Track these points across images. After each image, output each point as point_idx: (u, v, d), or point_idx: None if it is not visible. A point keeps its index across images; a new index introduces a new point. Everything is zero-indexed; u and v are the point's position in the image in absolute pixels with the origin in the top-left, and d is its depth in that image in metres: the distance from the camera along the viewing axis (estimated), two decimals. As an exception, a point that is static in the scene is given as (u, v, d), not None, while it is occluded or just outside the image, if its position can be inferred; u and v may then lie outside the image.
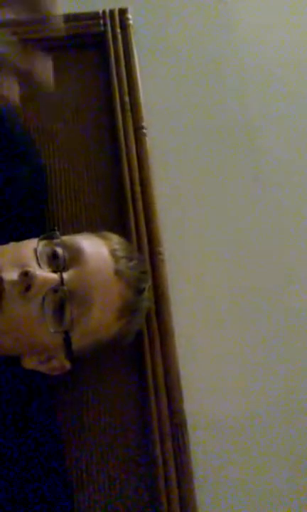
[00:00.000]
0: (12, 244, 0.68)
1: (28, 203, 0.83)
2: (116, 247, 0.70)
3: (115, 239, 0.72)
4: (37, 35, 0.97)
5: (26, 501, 0.69)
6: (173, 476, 0.76)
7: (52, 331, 0.63)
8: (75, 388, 0.81)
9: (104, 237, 0.71)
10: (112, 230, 0.77)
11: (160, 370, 0.80)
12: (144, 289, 0.72)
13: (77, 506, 0.75)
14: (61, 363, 0.71)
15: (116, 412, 0.81)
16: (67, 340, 0.65)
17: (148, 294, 0.74)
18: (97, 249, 0.68)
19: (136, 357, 0.83)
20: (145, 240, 0.88)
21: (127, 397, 0.82)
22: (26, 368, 0.70)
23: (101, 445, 0.79)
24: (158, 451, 0.77)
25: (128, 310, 0.69)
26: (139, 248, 0.86)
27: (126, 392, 0.82)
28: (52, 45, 0.99)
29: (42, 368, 0.71)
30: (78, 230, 0.73)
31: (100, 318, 0.66)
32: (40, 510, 0.69)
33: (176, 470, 0.76)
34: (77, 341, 0.66)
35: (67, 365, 0.71)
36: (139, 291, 0.70)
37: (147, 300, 0.75)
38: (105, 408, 0.81)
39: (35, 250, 0.65)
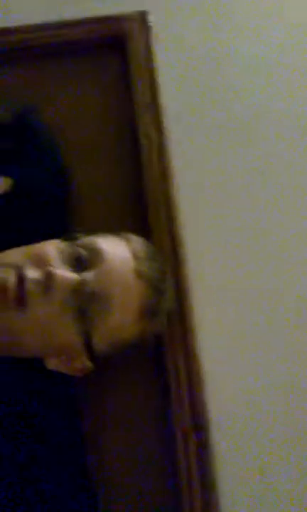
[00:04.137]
0: (34, 245, 0.71)
1: (50, 204, 0.87)
2: (137, 247, 0.73)
3: (136, 240, 0.75)
4: (57, 39, 1.04)
5: (48, 502, 0.71)
6: (195, 476, 0.78)
7: (73, 331, 0.66)
8: (97, 391, 0.84)
9: (125, 238, 0.74)
10: (134, 230, 0.79)
11: (183, 372, 0.83)
12: (165, 289, 0.74)
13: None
14: (83, 363, 0.73)
15: (138, 415, 0.84)
16: (87, 341, 0.68)
17: (169, 295, 0.77)
18: (117, 249, 0.71)
19: (158, 358, 0.85)
20: (167, 240, 0.90)
21: (149, 399, 0.85)
22: (49, 369, 0.73)
23: (123, 447, 0.82)
24: (180, 453, 0.80)
25: (149, 311, 0.71)
26: (161, 249, 0.88)
27: (148, 394, 0.85)
28: (73, 49, 1.05)
29: (65, 369, 0.74)
30: (99, 232, 0.75)
31: (120, 319, 0.68)
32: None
33: (199, 472, 0.79)
34: (98, 341, 0.69)
35: (90, 365, 0.74)
36: (160, 292, 0.73)
37: (168, 301, 0.77)
38: (127, 412, 0.84)
39: (57, 250, 0.69)
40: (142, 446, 0.83)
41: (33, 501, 0.70)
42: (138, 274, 0.70)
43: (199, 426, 0.81)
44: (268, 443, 0.83)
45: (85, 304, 0.67)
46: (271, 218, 0.97)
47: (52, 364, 0.73)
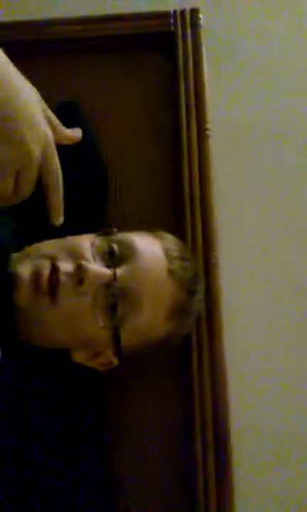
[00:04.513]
0: (70, 238, 0.72)
1: (88, 199, 0.88)
2: (171, 246, 0.73)
3: (170, 239, 0.75)
4: (106, 33, 1.05)
5: (67, 504, 0.71)
6: (212, 486, 0.78)
7: (102, 325, 0.67)
8: (119, 392, 0.85)
9: (159, 237, 0.74)
10: (168, 231, 0.79)
11: (207, 376, 0.83)
12: (196, 291, 0.74)
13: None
14: (109, 358, 0.74)
15: (159, 418, 0.84)
16: (116, 336, 0.68)
17: (199, 297, 0.77)
18: (151, 247, 0.71)
19: (183, 362, 0.85)
20: (200, 243, 0.90)
21: (171, 402, 0.85)
22: (75, 362, 0.74)
23: (143, 452, 0.82)
24: (199, 459, 0.79)
25: (179, 311, 0.71)
26: (193, 251, 0.89)
27: (171, 397, 0.85)
28: (121, 43, 1.06)
29: (91, 363, 0.74)
30: (134, 229, 0.76)
31: (150, 316, 0.69)
32: None
33: (217, 480, 0.78)
34: (126, 338, 0.69)
35: (115, 361, 0.74)
36: (191, 293, 0.73)
37: (198, 303, 0.77)
38: (149, 415, 0.84)
39: (92, 245, 0.70)
40: (160, 452, 0.83)
41: (50, 501, 0.70)
42: (170, 273, 0.70)
43: (220, 432, 0.80)
44: (289, 455, 0.82)
45: (115, 299, 0.67)
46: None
47: (78, 357, 0.74)
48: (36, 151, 0.53)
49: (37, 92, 0.57)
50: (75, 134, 0.61)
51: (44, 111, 0.56)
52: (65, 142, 0.60)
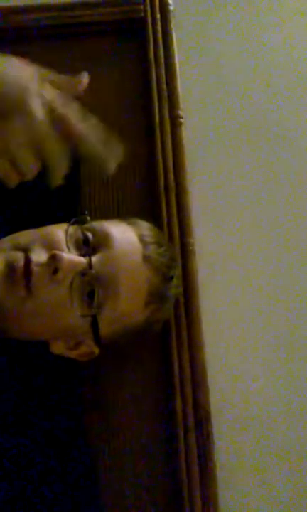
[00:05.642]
0: (43, 228, 0.72)
1: (60, 188, 0.88)
2: (145, 233, 0.73)
3: (144, 225, 0.76)
4: (75, 20, 1.03)
5: (51, 493, 0.70)
6: (195, 470, 0.79)
7: (79, 314, 0.67)
8: (99, 379, 0.85)
9: (133, 224, 0.74)
10: (143, 218, 0.79)
11: (186, 362, 0.83)
12: (173, 276, 0.74)
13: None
14: (89, 348, 0.74)
15: (140, 405, 0.84)
16: (94, 324, 0.68)
17: (176, 282, 0.77)
18: (125, 234, 0.71)
19: (162, 348, 0.86)
20: (176, 230, 0.90)
21: (152, 388, 0.85)
22: (54, 353, 0.74)
23: (125, 439, 0.83)
24: (181, 444, 0.80)
25: (156, 296, 0.71)
26: (170, 238, 0.89)
27: (151, 384, 0.85)
28: (91, 30, 1.05)
29: (71, 354, 0.74)
30: (108, 218, 0.76)
31: (127, 303, 0.69)
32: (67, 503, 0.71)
33: (199, 464, 0.79)
34: (105, 326, 0.69)
35: (96, 351, 0.74)
36: (167, 278, 0.73)
37: (175, 288, 0.77)
38: (129, 402, 0.84)
39: (65, 234, 0.69)
40: (143, 438, 0.83)
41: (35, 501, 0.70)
42: (146, 259, 0.70)
43: (201, 417, 0.81)
44: (267, 438, 0.84)
45: (92, 287, 0.67)
46: (282, 210, 0.96)
47: (57, 348, 0.74)
48: (40, 110, 0.54)
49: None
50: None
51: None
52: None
